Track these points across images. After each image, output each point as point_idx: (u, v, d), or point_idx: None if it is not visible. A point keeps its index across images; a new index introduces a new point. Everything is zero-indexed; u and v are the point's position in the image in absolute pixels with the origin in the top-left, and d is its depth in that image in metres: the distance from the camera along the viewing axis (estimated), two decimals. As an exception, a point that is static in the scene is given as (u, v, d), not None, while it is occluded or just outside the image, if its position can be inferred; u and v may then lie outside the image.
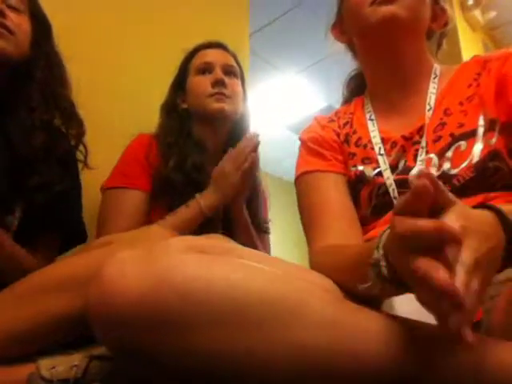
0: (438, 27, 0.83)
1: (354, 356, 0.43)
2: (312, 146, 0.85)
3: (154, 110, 1.24)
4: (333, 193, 0.78)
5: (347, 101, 0.96)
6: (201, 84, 1.16)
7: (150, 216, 1.06)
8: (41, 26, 0.95)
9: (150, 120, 1.22)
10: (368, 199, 0.77)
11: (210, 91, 1.13)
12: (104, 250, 0.66)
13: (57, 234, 0.97)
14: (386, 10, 0.73)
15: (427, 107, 0.76)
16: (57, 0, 1.00)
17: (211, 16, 1.69)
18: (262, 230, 1.24)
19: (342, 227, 0.73)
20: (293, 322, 0.44)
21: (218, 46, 1.24)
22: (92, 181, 1.08)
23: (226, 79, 1.16)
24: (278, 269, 0.52)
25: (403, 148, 0.76)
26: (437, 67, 0.82)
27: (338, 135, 0.86)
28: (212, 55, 1.20)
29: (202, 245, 0.53)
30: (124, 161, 1.11)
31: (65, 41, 1.00)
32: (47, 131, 0.89)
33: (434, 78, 0.80)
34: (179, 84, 1.21)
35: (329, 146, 0.85)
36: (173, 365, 0.45)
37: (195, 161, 1.10)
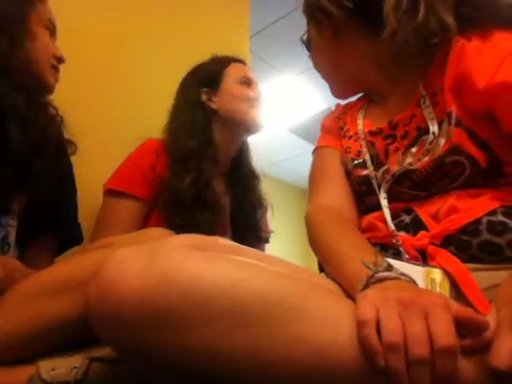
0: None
1: (356, 355, 0.43)
2: (327, 131, 0.94)
3: (155, 113, 1.24)
4: (337, 164, 0.85)
5: None
6: (244, 93, 1.20)
7: (145, 223, 1.05)
8: None
9: (150, 123, 1.22)
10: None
11: (253, 104, 1.19)
12: (104, 251, 0.66)
13: (55, 236, 0.96)
14: None
15: (422, 101, 0.73)
16: (59, 3, 0.99)
17: (212, 18, 1.70)
18: (260, 238, 1.25)
19: (339, 191, 0.82)
20: (294, 320, 0.44)
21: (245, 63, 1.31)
22: (91, 183, 1.08)
23: None
24: (280, 268, 0.52)
25: (371, 143, 0.77)
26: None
27: (338, 129, 0.92)
28: (250, 72, 1.27)
29: (204, 243, 0.52)
30: (127, 165, 1.09)
31: (66, 44, 1.00)
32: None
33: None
34: (207, 82, 1.20)
35: (337, 136, 0.91)
36: (174, 363, 0.45)
37: (209, 177, 1.09)
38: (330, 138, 0.90)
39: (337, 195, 0.81)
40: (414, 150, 0.69)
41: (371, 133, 0.78)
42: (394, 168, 0.71)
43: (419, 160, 0.68)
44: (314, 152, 0.93)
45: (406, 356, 0.40)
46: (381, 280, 0.50)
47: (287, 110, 3.74)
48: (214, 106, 1.18)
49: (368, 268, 0.53)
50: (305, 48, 0.92)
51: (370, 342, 0.41)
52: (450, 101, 0.66)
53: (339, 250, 0.66)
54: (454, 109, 0.66)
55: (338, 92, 0.93)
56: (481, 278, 0.58)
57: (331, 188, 0.82)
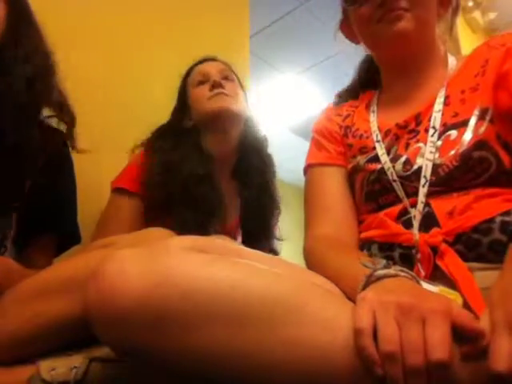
0: (445, 9, 0.82)
1: (354, 355, 0.43)
2: (318, 137, 0.90)
3: (155, 113, 1.24)
4: (330, 185, 0.83)
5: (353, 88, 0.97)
6: (200, 92, 1.13)
7: (148, 223, 1.04)
8: (18, 12, 0.84)
9: (152, 123, 1.22)
10: (361, 187, 0.79)
11: (209, 94, 1.11)
12: (104, 251, 0.66)
13: (53, 235, 0.96)
14: (396, 28, 0.73)
15: (439, 96, 0.74)
16: (57, 3, 0.99)
17: (212, 18, 1.70)
18: (269, 249, 1.25)
19: (335, 217, 0.80)
20: (292, 322, 0.44)
21: (212, 59, 1.23)
22: (94, 182, 1.08)
23: (223, 82, 1.13)
24: (279, 269, 0.52)
25: (396, 136, 0.77)
26: (451, 57, 0.81)
27: (340, 128, 0.89)
28: (207, 67, 1.18)
29: (204, 244, 0.53)
30: (134, 164, 1.09)
31: (67, 43, 0.99)
32: (37, 129, 0.83)
33: (447, 68, 0.79)
34: (183, 104, 1.18)
35: (332, 138, 0.88)
36: (173, 364, 0.45)
37: (193, 171, 1.05)
38: (320, 153, 0.88)
39: (333, 222, 0.79)
40: (438, 143, 0.69)
41: (399, 126, 0.77)
42: (417, 160, 0.71)
43: (444, 155, 0.67)
44: (306, 171, 0.89)
45: (403, 363, 0.39)
46: (380, 278, 0.50)
47: (287, 110, 3.74)
48: (190, 123, 1.14)
49: (366, 267, 0.53)
50: None
51: (368, 351, 0.41)
52: (490, 97, 0.67)
53: (338, 262, 0.66)
54: (491, 105, 0.67)
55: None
56: (485, 277, 0.57)
57: (327, 215, 0.80)
